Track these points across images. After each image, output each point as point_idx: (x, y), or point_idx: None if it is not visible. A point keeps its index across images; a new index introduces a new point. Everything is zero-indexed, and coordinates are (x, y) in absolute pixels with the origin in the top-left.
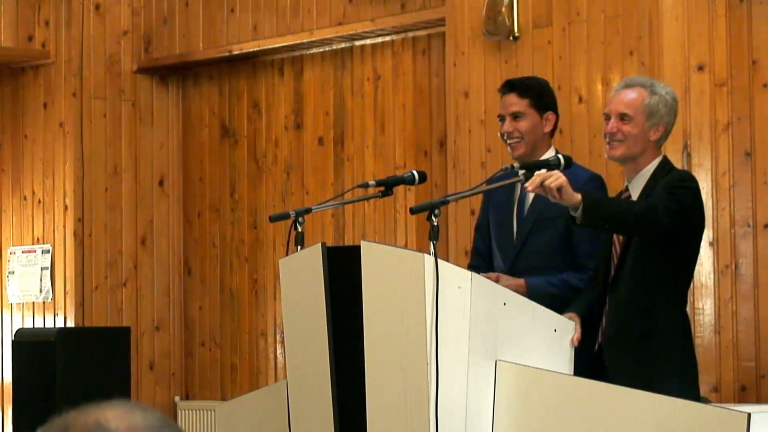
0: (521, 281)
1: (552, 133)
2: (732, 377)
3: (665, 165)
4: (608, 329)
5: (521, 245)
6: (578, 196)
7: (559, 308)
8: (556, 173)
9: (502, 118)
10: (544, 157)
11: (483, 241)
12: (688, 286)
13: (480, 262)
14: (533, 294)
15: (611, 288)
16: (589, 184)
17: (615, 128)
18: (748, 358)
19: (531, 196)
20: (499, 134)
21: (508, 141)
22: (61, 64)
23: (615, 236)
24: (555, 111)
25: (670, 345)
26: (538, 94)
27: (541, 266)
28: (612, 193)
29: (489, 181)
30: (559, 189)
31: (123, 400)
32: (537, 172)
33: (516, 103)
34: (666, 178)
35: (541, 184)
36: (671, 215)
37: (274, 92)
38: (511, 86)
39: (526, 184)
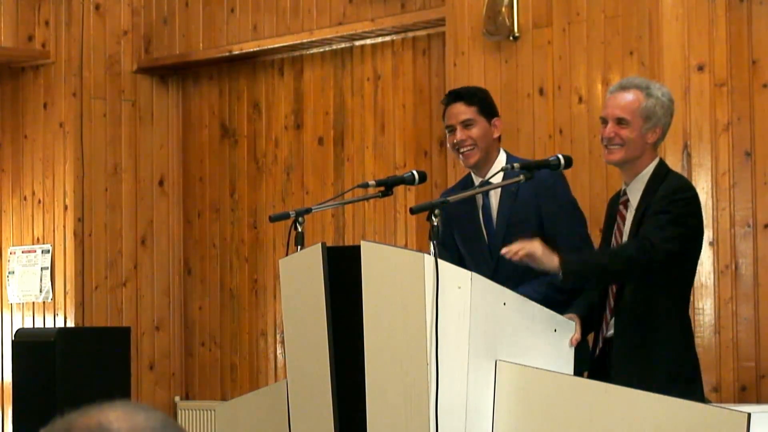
0: None
1: (500, 138)
2: (732, 377)
3: (662, 168)
4: (609, 335)
5: (498, 254)
6: (555, 261)
7: (551, 309)
8: (525, 245)
9: (451, 129)
10: (497, 162)
11: (451, 257)
12: (690, 287)
13: None
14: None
15: (615, 295)
16: (550, 178)
17: (613, 133)
18: (748, 358)
19: (495, 201)
20: (449, 145)
21: (461, 150)
22: (61, 64)
23: (614, 241)
24: (499, 116)
25: (673, 349)
26: (484, 101)
27: (522, 269)
28: (610, 192)
29: (454, 192)
30: (531, 257)
31: (125, 401)
32: (505, 248)
33: (464, 111)
34: (662, 189)
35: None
36: (667, 243)
37: (274, 92)
38: (456, 96)
39: (503, 251)
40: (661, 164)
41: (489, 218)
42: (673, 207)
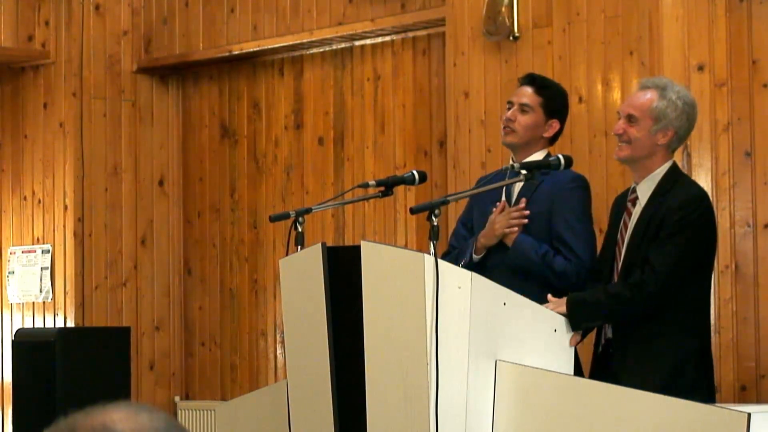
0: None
1: (552, 140)
2: (732, 377)
3: (674, 172)
4: (612, 331)
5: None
6: (563, 306)
7: (533, 281)
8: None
9: (510, 105)
10: (533, 157)
11: (463, 228)
12: (704, 293)
13: (460, 243)
14: (516, 248)
15: None
16: (570, 183)
17: (621, 129)
18: (748, 358)
19: (516, 191)
20: (501, 120)
21: (504, 126)
22: (61, 64)
23: (619, 236)
24: (561, 121)
25: (679, 346)
26: (553, 98)
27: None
28: (610, 192)
29: (488, 180)
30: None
31: (128, 402)
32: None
33: (529, 96)
34: (674, 195)
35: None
36: (670, 267)
37: (274, 92)
38: (531, 80)
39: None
40: (675, 167)
41: (508, 203)
42: (685, 228)
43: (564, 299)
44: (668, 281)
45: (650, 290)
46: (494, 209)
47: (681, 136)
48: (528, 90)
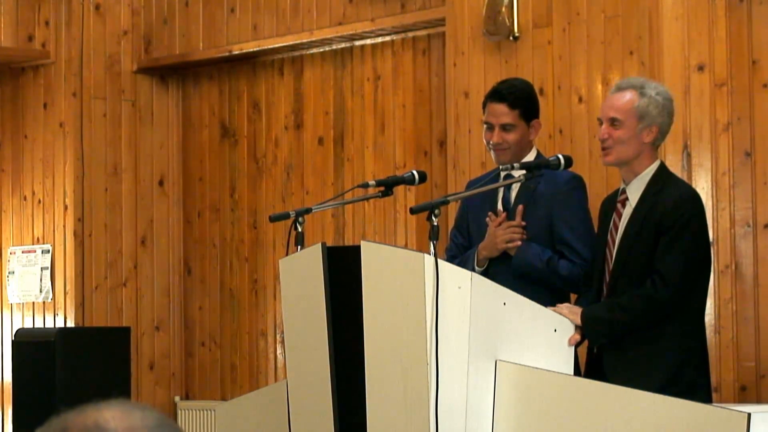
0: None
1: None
2: (732, 377)
3: (662, 171)
4: None
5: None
6: (578, 319)
7: (537, 286)
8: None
9: (490, 126)
10: (526, 158)
11: (462, 236)
12: (701, 296)
13: (458, 253)
14: (520, 257)
15: (608, 292)
16: (567, 185)
17: (606, 134)
18: (748, 358)
19: (514, 193)
20: (484, 140)
21: (495, 149)
22: (61, 64)
23: (609, 237)
24: (538, 117)
25: (680, 347)
26: (527, 103)
27: None
28: (609, 189)
29: (486, 181)
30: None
31: (121, 400)
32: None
33: (506, 114)
34: (667, 195)
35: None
36: (679, 273)
37: (274, 92)
38: (501, 97)
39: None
40: (663, 167)
41: (506, 210)
42: (684, 230)
43: (578, 310)
44: (679, 288)
45: (663, 299)
46: (491, 220)
47: (663, 132)
48: (503, 108)
